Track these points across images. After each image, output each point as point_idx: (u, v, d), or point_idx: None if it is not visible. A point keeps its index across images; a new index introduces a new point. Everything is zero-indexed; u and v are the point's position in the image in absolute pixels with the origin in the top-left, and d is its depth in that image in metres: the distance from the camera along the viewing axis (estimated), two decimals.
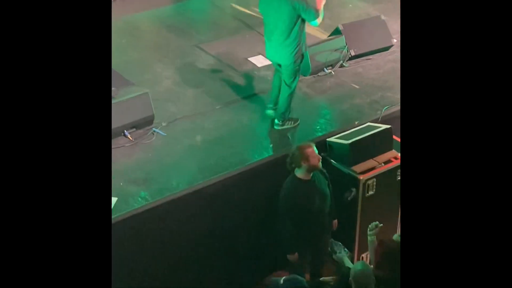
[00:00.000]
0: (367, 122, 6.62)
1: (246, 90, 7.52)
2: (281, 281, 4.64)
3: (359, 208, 6.13)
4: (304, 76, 6.93)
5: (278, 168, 6.19)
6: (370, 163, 6.16)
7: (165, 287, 5.97)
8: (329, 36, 8.18)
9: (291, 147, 5.85)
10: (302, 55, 6.49)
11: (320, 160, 5.55)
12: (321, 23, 6.43)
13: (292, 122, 6.80)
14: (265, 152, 6.46)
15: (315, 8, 6.19)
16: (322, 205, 5.66)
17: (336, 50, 7.92)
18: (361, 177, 6.02)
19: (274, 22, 6.30)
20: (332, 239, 5.28)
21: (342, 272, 4.87)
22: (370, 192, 6.12)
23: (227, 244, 6.21)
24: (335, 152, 6.21)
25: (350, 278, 4.60)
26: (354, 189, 6.05)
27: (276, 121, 6.77)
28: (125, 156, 6.24)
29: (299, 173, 5.56)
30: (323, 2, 6.24)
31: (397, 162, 6.20)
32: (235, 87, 7.57)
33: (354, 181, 6.05)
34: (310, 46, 7.10)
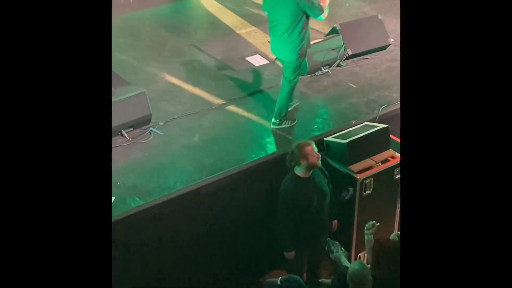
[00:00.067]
0: (364, 122, 6.63)
1: (243, 89, 7.52)
2: (278, 282, 4.64)
3: (356, 207, 6.13)
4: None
5: (275, 167, 6.20)
6: (367, 162, 6.16)
7: (162, 287, 5.97)
8: (326, 35, 8.18)
9: (290, 145, 5.85)
10: (305, 52, 6.52)
11: (320, 159, 5.56)
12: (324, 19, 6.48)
13: (289, 122, 6.80)
14: (262, 152, 6.46)
15: (320, 4, 6.23)
16: (321, 203, 5.66)
17: (333, 49, 7.92)
18: (358, 176, 6.02)
19: (279, 19, 6.32)
20: (329, 239, 5.28)
21: (340, 272, 4.87)
22: (367, 192, 6.12)
23: (224, 244, 6.22)
24: (332, 152, 6.21)
25: (347, 278, 4.60)
26: (351, 188, 6.05)
27: (273, 119, 6.77)
28: (122, 155, 6.24)
29: (299, 171, 5.57)
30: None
31: (394, 162, 6.20)
32: (232, 86, 7.57)
33: (351, 180, 6.05)
34: None
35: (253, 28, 8.87)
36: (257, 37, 8.65)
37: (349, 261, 5.53)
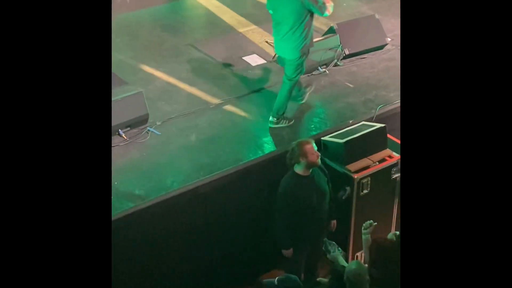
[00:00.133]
0: (361, 121, 6.63)
1: (241, 89, 7.52)
2: (276, 282, 4.64)
3: (354, 207, 6.14)
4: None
5: (272, 167, 6.21)
6: (364, 162, 6.17)
7: (160, 286, 5.97)
8: (323, 35, 8.18)
9: (288, 144, 5.86)
10: (308, 51, 6.57)
11: (319, 157, 5.57)
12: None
13: (287, 121, 6.81)
14: (260, 151, 6.46)
15: (324, 1, 6.29)
16: (320, 202, 5.67)
17: (330, 49, 7.92)
18: (356, 176, 6.02)
19: (283, 17, 6.36)
20: (326, 239, 5.28)
21: (337, 272, 4.86)
22: (365, 191, 6.13)
23: (222, 244, 6.22)
24: (329, 151, 6.21)
25: (344, 278, 4.60)
26: (348, 188, 6.05)
27: (270, 118, 6.78)
28: (119, 155, 6.24)
29: (298, 169, 5.58)
30: None
31: (392, 161, 6.21)
32: (230, 86, 7.57)
33: (348, 180, 6.05)
34: None
35: (251, 27, 8.87)
36: (254, 36, 8.65)
37: (347, 261, 5.53)
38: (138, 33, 8.76)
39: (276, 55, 7.80)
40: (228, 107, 7.15)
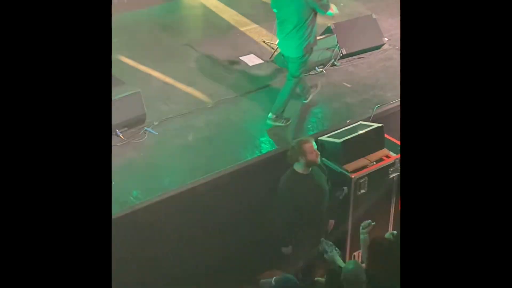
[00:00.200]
0: (358, 121, 6.63)
1: (238, 89, 7.52)
2: (273, 282, 4.63)
3: (351, 206, 6.14)
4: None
5: (269, 166, 6.21)
6: (361, 161, 6.17)
7: (157, 286, 5.96)
8: (320, 35, 8.18)
9: (286, 145, 5.86)
10: (311, 49, 6.64)
11: (319, 156, 5.58)
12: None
13: (285, 121, 6.83)
14: (257, 151, 6.46)
15: (328, 0, 6.40)
16: (319, 200, 5.68)
17: (327, 49, 7.93)
18: (353, 175, 6.02)
19: (286, 16, 6.45)
20: (323, 239, 5.28)
21: (334, 272, 4.86)
22: (362, 191, 6.13)
23: (219, 243, 6.21)
24: (327, 151, 6.21)
25: (341, 277, 4.60)
26: (345, 188, 6.05)
27: (270, 114, 6.80)
28: (117, 155, 6.22)
29: (298, 167, 5.60)
30: None
31: (389, 161, 6.21)
32: (227, 86, 7.57)
33: (345, 180, 6.05)
34: None
35: (248, 27, 8.86)
36: (251, 36, 8.65)
37: (344, 261, 5.53)
38: (136, 33, 8.75)
39: (274, 55, 7.83)
40: (225, 107, 7.15)
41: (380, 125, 6.31)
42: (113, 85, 6.83)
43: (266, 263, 6.29)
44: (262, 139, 6.70)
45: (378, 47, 8.40)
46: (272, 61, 8.02)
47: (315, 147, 5.58)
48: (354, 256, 6.35)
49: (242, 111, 7.10)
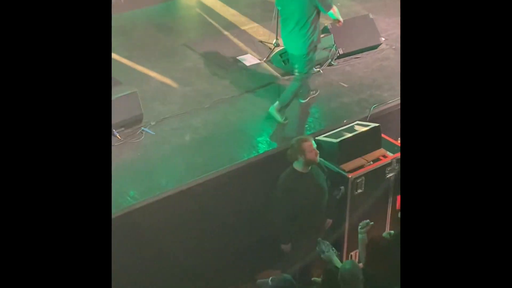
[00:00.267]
0: (355, 121, 6.64)
1: (235, 89, 7.52)
2: (270, 281, 4.64)
3: (348, 206, 6.14)
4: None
5: (267, 166, 6.21)
6: (358, 161, 6.17)
7: (155, 286, 5.96)
8: None
9: (283, 144, 5.87)
10: (315, 47, 6.73)
11: (318, 155, 5.59)
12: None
13: (284, 117, 6.88)
14: (254, 151, 6.47)
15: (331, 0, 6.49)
16: (318, 199, 5.69)
17: (324, 48, 7.93)
18: (350, 175, 6.02)
19: (291, 13, 6.54)
20: (320, 239, 5.28)
21: (331, 271, 4.86)
22: (359, 191, 6.13)
23: (216, 243, 6.21)
24: (324, 151, 6.19)
25: (338, 277, 4.60)
26: (342, 188, 6.05)
27: (275, 104, 6.86)
28: (114, 155, 6.19)
29: (297, 166, 5.61)
30: None
31: (386, 161, 6.21)
32: (224, 86, 7.57)
33: (343, 179, 6.05)
34: None
35: (245, 27, 8.87)
36: (249, 36, 8.65)
37: (341, 260, 5.53)
38: (133, 33, 8.75)
39: (271, 55, 7.84)
40: (223, 107, 7.15)
41: (377, 125, 6.31)
42: None
43: (264, 263, 6.30)
44: (259, 139, 6.70)
45: (375, 47, 8.41)
46: (270, 60, 8.03)
47: (315, 146, 5.59)
48: (351, 255, 6.35)
49: (239, 111, 7.10)
